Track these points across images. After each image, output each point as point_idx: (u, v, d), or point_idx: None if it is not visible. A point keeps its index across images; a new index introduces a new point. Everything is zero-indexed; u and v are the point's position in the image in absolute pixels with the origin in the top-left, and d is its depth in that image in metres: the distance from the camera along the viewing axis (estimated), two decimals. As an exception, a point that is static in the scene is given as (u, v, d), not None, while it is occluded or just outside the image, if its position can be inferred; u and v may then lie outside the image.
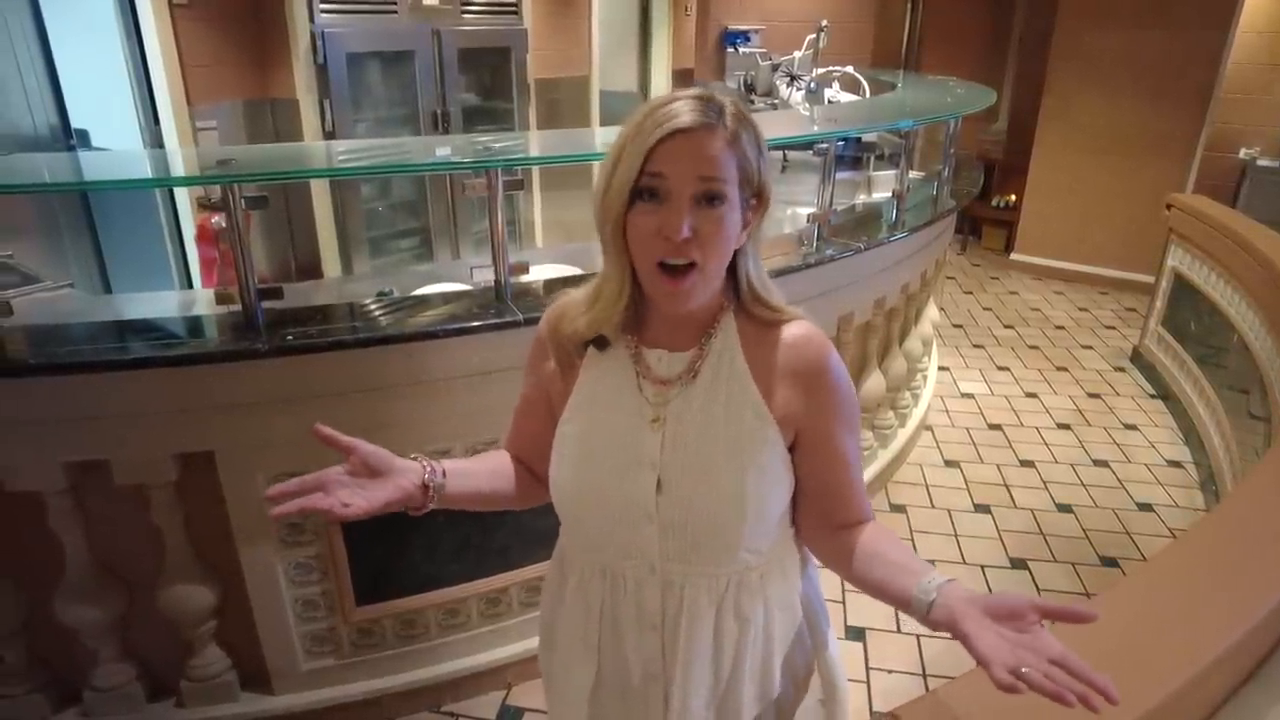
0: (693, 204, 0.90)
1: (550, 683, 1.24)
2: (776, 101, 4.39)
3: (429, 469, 1.02)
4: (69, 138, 3.66)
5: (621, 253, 0.95)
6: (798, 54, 4.37)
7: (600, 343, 1.03)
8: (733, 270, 0.99)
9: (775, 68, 4.42)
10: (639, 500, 1.00)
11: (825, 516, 1.07)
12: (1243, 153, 6.11)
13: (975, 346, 5.04)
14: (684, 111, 0.89)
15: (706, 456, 0.99)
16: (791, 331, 1.01)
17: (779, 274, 2.33)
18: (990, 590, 2.76)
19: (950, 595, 0.86)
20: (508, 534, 2.16)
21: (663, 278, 0.92)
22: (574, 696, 1.13)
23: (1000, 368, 4.73)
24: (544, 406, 1.11)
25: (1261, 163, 6.01)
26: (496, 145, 2.27)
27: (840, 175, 3.22)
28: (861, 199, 3.64)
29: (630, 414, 1.02)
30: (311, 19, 3.61)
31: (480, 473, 1.12)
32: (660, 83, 5.92)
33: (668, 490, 0.99)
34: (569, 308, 1.05)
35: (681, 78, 5.93)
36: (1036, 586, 2.82)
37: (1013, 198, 6.78)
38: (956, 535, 3.10)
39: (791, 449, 1.02)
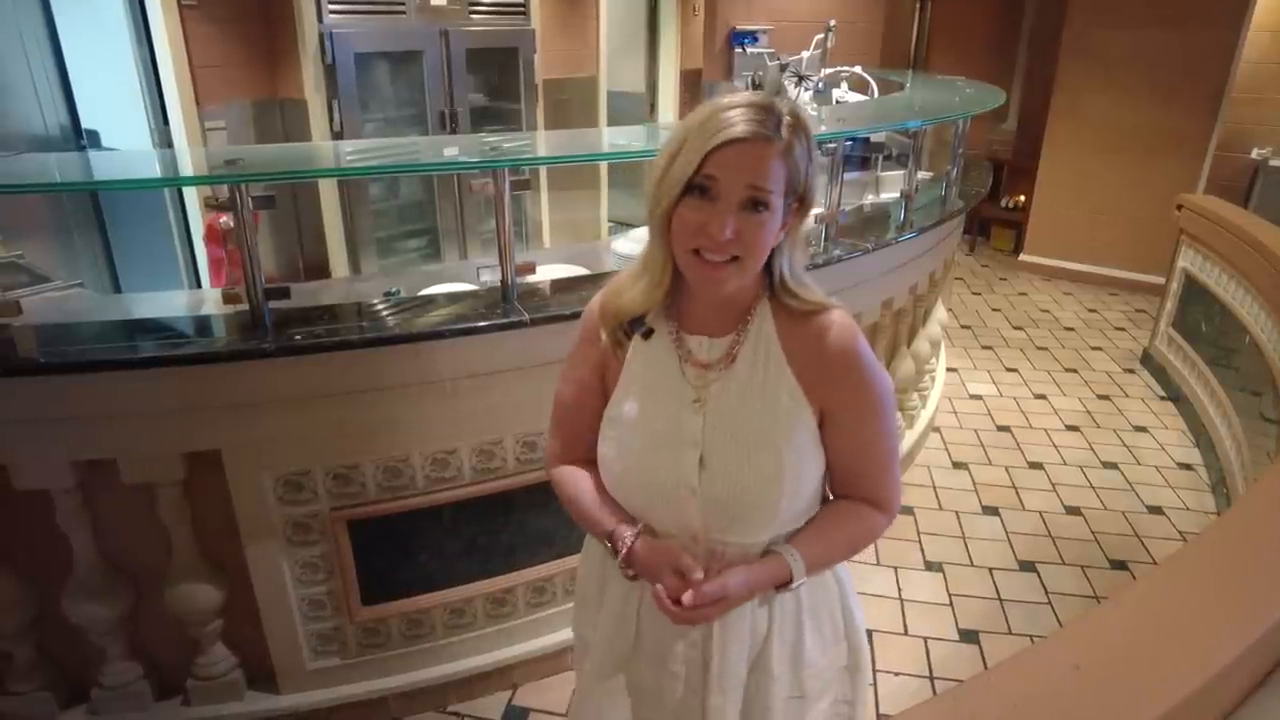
0: (738, 208, 0.96)
1: (586, 649, 1.28)
2: (784, 101, 4.37)
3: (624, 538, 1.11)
4: (79, 138, 3.68)
5: (667, 238, 1.01)
6: (805, 54, 4.36)
7: (645, 332, 1.09)
8: (769, 263, 1.05)
9: (783, 68, 4.40)
10: (683, 476, 1.07)
11: (845, 489, 1.14)
12: (1254, 153, 6.05)
13: (984, 348, 5.01)
14: (743, 120, 0.94)
15: (745, 436, 1.06)
16: (824, 319, 1.07)
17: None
18: (998, 592, 2.75)
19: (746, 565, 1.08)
20: (513, 534, 2.16)
21: (699, 263, 0.99)
22: (613, 666, 1.19)
23: (1009, 369, 4.70)
24: (599, 389, 1.16)
25: (1274, 163, 5.95)
26: (504, 145, 2.27)
27: (848, 175, 3.20)
28: (869, 199, 3.63)
29: (674, 396, 1.09)
30: (320, 19, 3.62)
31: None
32: (668, 83, 5.92)
33: (710, 467, 1.06)
34: (615, 287, 1.12)
35: (689, 78, 5.92)
36: (1045, 589, 2.80)
37: (1022, 198, 6.75)
38: (964, 537, 3.08)
39: (821, 427, 1.09)
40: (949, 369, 4.53)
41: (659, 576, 1.06)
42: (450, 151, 2.48)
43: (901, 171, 3.25)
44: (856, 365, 1.06)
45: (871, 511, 1.13)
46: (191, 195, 3.67)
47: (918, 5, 7.48)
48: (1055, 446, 3.81)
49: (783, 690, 1.15)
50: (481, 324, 1.89)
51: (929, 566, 2.91)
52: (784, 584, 1.08)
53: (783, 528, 1.10)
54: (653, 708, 1.18)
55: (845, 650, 1.23)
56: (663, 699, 1.17)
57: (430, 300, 2.08)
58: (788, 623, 1.14)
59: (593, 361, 1.16)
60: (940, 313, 3.88)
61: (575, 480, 1.19)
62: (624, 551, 1.09)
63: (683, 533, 1.09)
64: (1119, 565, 2.96)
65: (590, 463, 1.18)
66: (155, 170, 2.36)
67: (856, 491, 1.14)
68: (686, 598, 1.01)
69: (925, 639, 2.55)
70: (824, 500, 1.16)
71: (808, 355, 1.07)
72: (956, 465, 3.62)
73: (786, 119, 0.97)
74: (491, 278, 2.10)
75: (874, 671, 2.41)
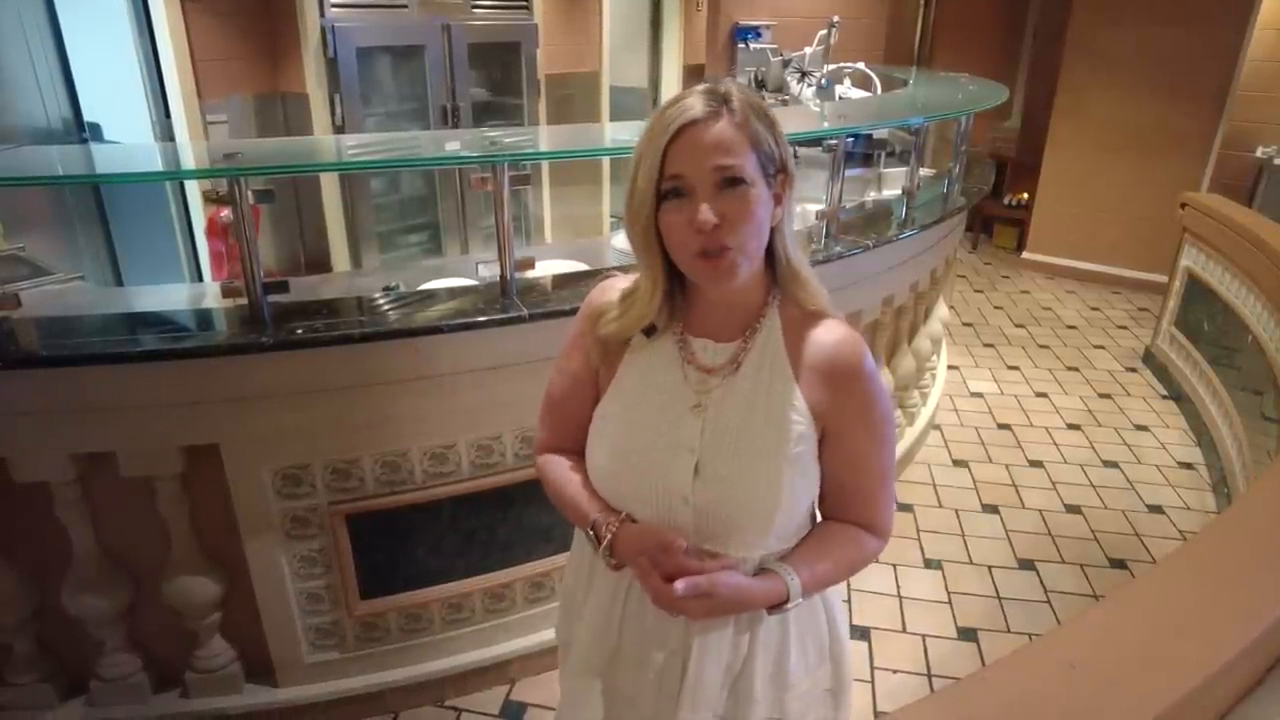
0: (715, 191, 0.94)
1: (567, 652, 1.26)
2: (787, 98, 4.35)
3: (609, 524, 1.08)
4: (81, 131, 3.68)
5: (653, 253, 0.99)
6: (809, 50, 4.34)
7: (648, 330, 1.07)
8: (771, 252, 1.03)
9: (786, 64, 4.38)
10: (676, 483, 1.03)
11: (838, 511, 1.12)
12: (1259, 151, 6.03)
13: (985, 345, 5.01)
14: (690, 107, 0.94)
15: (744, 446, 1.03)
16: (831, 333, 1.05)
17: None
18: (997, 590, 2.75)
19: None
20: (511, 529, 2.16)
21: (702, 263, 0.96)
22: (593, 666, 1.16)
23: (1010, 367, 4.69)
24: (591, 382, 1.14)
25: (1278, 161, 5.93)
26: (505, 140, 2.26)
27: (850, 172, 3.19)
28: (871, 196, 3.61)
29: (673, 398, 1.06)
30: (322, 13, 3.61)
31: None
32: (671, 78, 5.90)
33: (704, 475, 1.03)
34: (605, 309, 1.09)
35: (692, 73, 5.91)
36: (1044, 587, 2.80)
37: (1025, 196, 6.73)
38: (964, 535, 3.08)
39: (820, 444, 1.06)
40: (950, 366, 4.53)
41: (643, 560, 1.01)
42: (451, 146, 2.47)
43: (904, 168, 3.24)
44: (862, 382, 1.04)
45: (867, 535, 1.10)
46: (193, 189, 3.67)
47: (922, 2, 7.46)
48: (1056, 445, 3.81)
49: (763, 712, 1.13)
50: (480, 319, 1.89)
51: (928, 564, 2.91)
52: (778, 605, 1.03)
53: (774, 544, 1.06)
54: (630, 710, 1.16)
55: (829, 672, 1.20)
56: (639, 704, 1.14)
57: (430, 295, 2.08)
58: (772, 643, 1.11)
59: (586, 355, 1.13)
60: (942, 310, 3.87)
61: (561, 469, 1.16)
62: (607, 539, 1.05)
63: None
64: (1119, 564, 2.95)
65: (578, 454, 1.15)
66: (156, 164, 2.35)
67: (850, 513, 1.10)
68: (680, 585, 0.96)
69: (924, 636, 2.55)
70: (812, 519, 1.13)
71: (813, 367, 1.04)
72: (957, 463, 3.61)
73: (736, 93, 0.96)
74: (490, 273, 2.09)
75: (872, 669, 2.41)
